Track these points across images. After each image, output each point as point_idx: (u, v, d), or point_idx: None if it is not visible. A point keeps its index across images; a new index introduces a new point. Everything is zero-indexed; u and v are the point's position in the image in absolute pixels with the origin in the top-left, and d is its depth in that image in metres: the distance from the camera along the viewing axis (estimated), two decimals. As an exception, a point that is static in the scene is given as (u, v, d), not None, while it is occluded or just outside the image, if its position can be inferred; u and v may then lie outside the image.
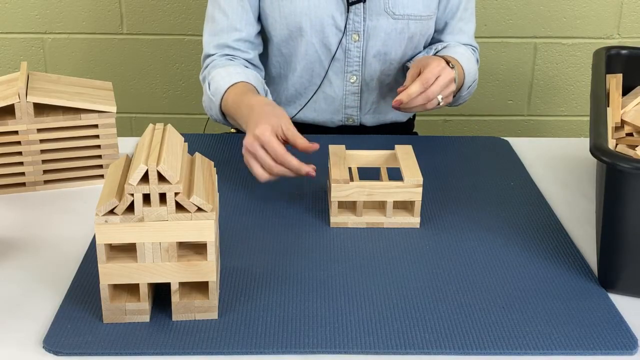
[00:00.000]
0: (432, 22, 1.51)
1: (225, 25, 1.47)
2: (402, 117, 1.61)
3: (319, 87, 1.51)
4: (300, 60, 1.50)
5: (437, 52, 1.51)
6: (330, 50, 1.48)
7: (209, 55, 1.50)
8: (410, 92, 1.30)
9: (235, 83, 1.38)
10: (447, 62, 1.35)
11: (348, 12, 1.45)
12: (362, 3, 1.43)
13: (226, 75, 1.40)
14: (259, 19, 1.50)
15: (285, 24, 1.46)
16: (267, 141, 1.17)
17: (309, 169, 1.17)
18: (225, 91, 1.38)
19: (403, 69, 1.54)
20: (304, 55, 1.49)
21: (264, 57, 1.56)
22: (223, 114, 1.42)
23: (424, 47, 1.57)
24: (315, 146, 1.19)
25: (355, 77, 1.51)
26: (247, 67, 1.47)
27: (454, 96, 1.45)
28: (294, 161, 1.16)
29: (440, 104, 1.34)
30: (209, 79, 1.44)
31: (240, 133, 1.62)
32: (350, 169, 1.20)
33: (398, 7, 1.45)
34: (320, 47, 1.48)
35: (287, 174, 1.17)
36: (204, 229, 0.90)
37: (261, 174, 1.18)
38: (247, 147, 1.20)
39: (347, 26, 1.46)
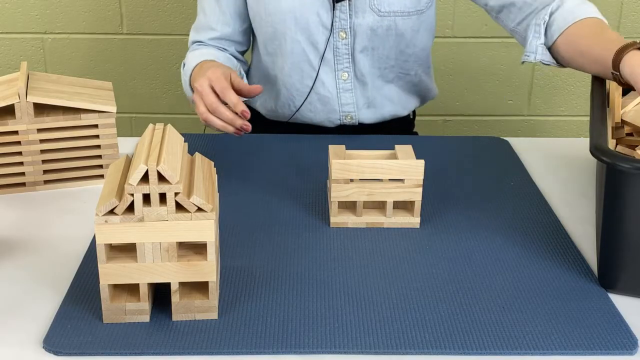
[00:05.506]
0: (426, 16, 1.49)
1: (204, 23, 1.54)
2: (400, 110, 1.60)
3: (312, 88, 1.51)
4: (287, 59, 1.50)
5: (546, 26, 1.34)
6: (319, 49, 1.48)
7: (189, 49, 1.57)
8: None
9: (202, 60, 1.43)
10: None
11: (334, 9, 1.45)
12: (347, 1, 1.44)
13: (197, 56, 1.46)
14: (247, 18, 1.53)
15: (270, 22, 1.47)
16: (215, 78, 1.26)
17: (242, 122, 1.24)
18: (193, 68, 1.43)
19: (409, 64, 1.54)
20: (290, 54, 1.49)
21: (256, 56, 1.58)
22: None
23: (501, 22, 1.46)
24: (258, 88, 1.29)
25: (346, 74, 1.51)
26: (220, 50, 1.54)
27: None
28: (234, 97, 1.24)
29: None
30: (185, 61, 1.51)
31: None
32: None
33: (383, 4, 1.44)
34: (307, 45, 1.48)
35: (225, 116, 1.24)
36: (204, 229, 0.90)
37: (202, 111, 1.26)
38: (196, 87, 1.28)
39: (334, 24, 1.46)
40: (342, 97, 1.53)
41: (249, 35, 1.58)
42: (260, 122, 1.64)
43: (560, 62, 1.36)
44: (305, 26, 1.46)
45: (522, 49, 1.39)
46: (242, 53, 1.59)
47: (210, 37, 1.53)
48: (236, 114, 1.24)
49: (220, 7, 1.51)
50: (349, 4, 1.44)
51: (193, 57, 1.46)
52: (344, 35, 1.47)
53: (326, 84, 1.51)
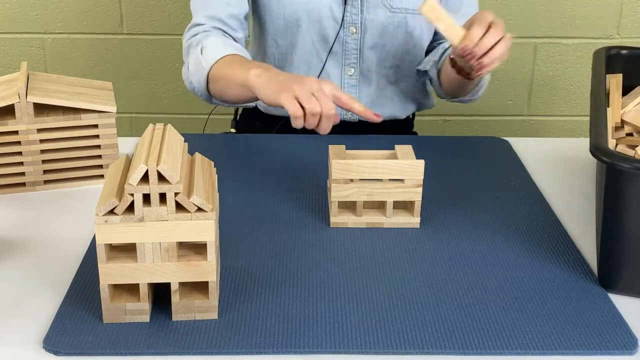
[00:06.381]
0: None
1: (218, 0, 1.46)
2: (399, 113, 1.61)
3: None
4: (297, 52, 1.50)
5: (445, 51, 1.52)
6: (328, 42, 1.49)
7: (198, 24, 1.47)
8: (474, 34, 1.22)
9: (234, 53, 1.38)
10: None
11: (345, 4, 1.45)
12: None
13: (223, 45, 1.39)
14: (253, 7, 1.52)
15: (282, 14, 1.47)
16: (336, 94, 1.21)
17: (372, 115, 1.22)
18: (222, 57, 1.37)
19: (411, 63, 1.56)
20: (301, 47, 1.49)
21: (260, 48, 1.57)
22: (208, 79, 1.40)
23: (430, 43, 1.57)
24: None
25: (353, 70, 1.51)
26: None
27: (475, 86, 1.49)
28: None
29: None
30: (203, 44, 1.41)
31: (241, 133, 1.63)
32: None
33: (395, 0, 1.45)
34: (317, 38, 1.48)
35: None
36: (204, 229, 0.90)
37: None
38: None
39: (345, 18, 1.46)
40: (345, 92, 1.53)
41: (247, 24, 1.55)
42: (259, 119, 1.64)
43: (442, 82, 1.53)
44: (317, 19, 1.46)
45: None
46: (257, 52, 1.58)
47: (229, 14, 1.46)
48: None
49: None
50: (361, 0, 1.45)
51: (219, 45, 1.40)
52: (354, 30, 1.47)
53: (331, 77, 1.52)
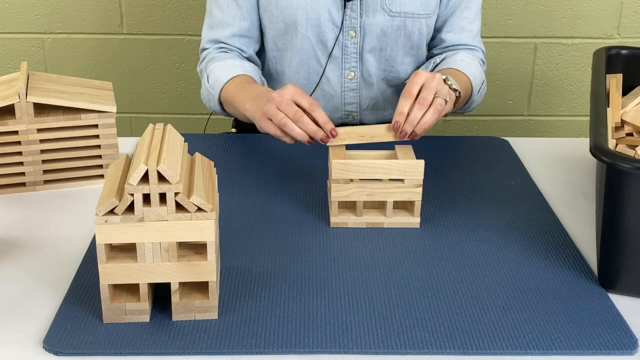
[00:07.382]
0: (431, 21, 1.51)
1: (220, 19, 1.52)
2: None
3: (317, 84, 1.51)
4: (296, 55, 1.50)
5: (436, 66, 1.51)
6: (327, 46, 1.48)
7: (204, 49, 1.55)
8: (401, 109, 1.22)
9: (235, 76, 1.43)
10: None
11: (345, 8, 1.45)
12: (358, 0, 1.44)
13: (224, 69, 1.45)
14: (258, 13, 1.52)
15: (281, 17, 1.47)
16: (299, 94, 1.22)
17: (323, 134, 1.20)
18: (225, 83, 1.43)
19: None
20: (300, 50, 1.49)
21: (260, 52, 1.57)
22: (222, 104, 1.47)
23: (428, 49, 1.57)
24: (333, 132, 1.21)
25: (353, 74, 1.51)
26: (243, 59, 1.52)
27: (466, 102, 1.46)
28: (324, 116, 1.21)
29: (447, 101, 1.25)
30: (207, 72, 1.49)
31: (241, 133, 1.63)
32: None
33: (395, 4, 1.45)
34: (316, 42, 1.48)
35: (309, 127, 1.20)
36: (204, 229, 0.90)
37: (282, 117, 1.21)
38: (274, 97, 1.23)
39: (344, 22, 1.46)
40: (346, 96, 1.53)
41: (258, 36, 1.56)
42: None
43: None
44: (315, 23, 1.46)
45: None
46: (258, 54, 1.58)
47: (228, 34, 1.50)
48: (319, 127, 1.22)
49: (236, 1, 1.49)
50: (360, 3, 1.45)
51: (220, 70, 1.45)
52: (354, 34, 1.47)
53: (331, 82, 1.52)
